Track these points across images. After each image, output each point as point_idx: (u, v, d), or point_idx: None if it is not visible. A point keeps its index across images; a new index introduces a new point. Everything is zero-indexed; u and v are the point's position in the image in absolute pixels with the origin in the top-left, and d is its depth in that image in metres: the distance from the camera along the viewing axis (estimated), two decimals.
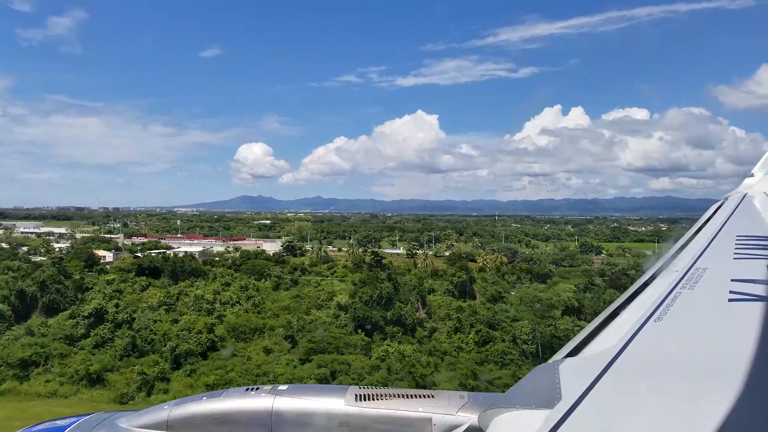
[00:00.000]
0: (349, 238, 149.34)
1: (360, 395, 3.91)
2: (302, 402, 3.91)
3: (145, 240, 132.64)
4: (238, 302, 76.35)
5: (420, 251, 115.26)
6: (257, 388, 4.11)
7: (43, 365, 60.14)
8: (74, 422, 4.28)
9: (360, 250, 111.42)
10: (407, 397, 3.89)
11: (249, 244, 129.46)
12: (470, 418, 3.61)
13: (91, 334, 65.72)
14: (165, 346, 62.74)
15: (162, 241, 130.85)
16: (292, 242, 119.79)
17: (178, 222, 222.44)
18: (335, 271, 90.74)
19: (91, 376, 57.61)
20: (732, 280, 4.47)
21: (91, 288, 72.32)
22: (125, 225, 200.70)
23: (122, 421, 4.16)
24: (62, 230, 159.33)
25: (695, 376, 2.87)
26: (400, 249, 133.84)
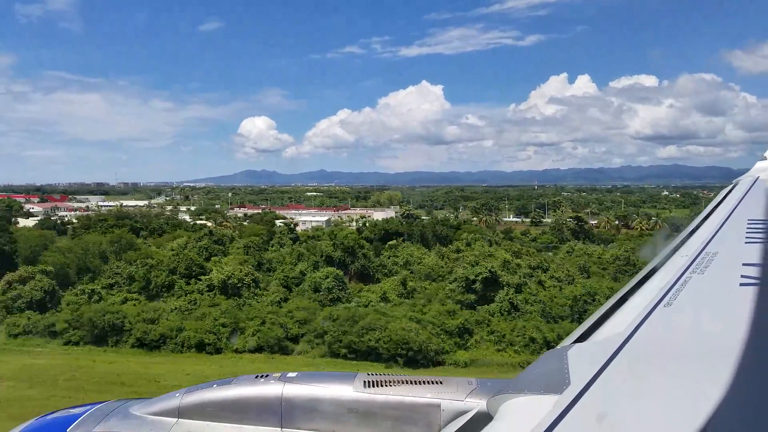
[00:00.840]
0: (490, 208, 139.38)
1: (368, 382, 3.93)
2: (311, 389, 3.94)
3: (254, 211, 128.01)
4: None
5: (546, 219, 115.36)
6: (267, 375, 4.14)
7: None
8: (88, 410, 4.33)
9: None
10: (416, 384, 3.91)
11: (360, 213, 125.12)
12: (479, 403, 3.62)
13: None
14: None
15: (270, 211, 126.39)
16: (410, 211, 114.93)
17: (229, 194, 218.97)
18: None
19: None
20: (743, 264, 4.44)
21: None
22: (186, 198, 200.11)
23: (134, 409, 4.21)
24: (138, 203, 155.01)
25: (705, 362, 2.87)
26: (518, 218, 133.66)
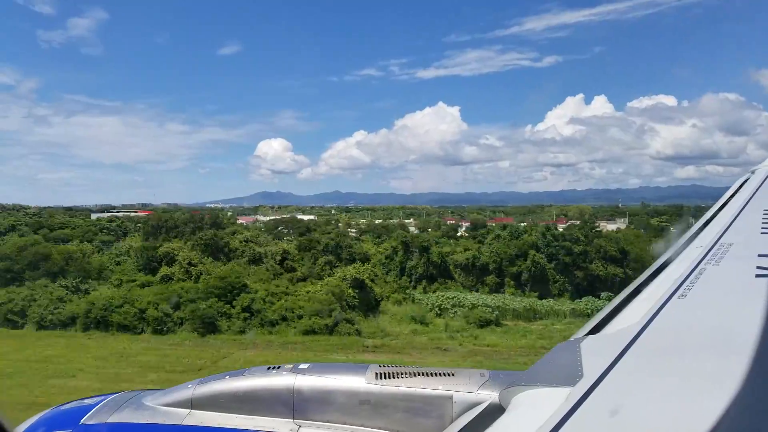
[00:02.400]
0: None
1: (380, 374, 3.93)
2: (323, 380, 3.94)
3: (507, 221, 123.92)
4: None
5: None
6: (279, 367, 4.15)
7: None
8: (102, 400, 4.36)
9: None
10: (427, 375, 3.90)
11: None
12: (491, 395, 3.60)
13: None
14: None
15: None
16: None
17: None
18: None
19: None
20: (759, 256, 4.37)
21: None
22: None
23: (148, 399, 4.23)
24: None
25: (720, 354, 2.82)
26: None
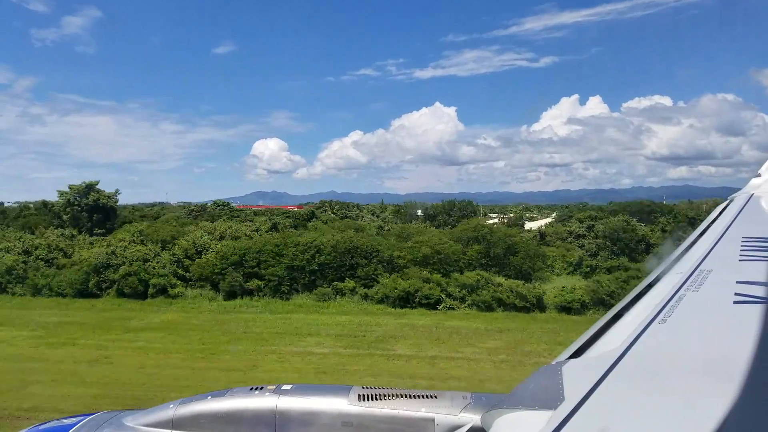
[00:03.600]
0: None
1: (363, 395, 3.94)
2: (306, 401, 3.94)
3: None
4: None
5: None
6: (261, 388, 4.15)
7: None
8: (80, 421, 4.32)
9: None
10: (410, 398, 3.91)
11: None
12: (473, 418, 3.63)
13: None
14: None
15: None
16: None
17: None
18: None
19: None
20: (737, 282, 4.45)
21: None
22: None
23: (128, 420, 4.20)
24: None
25: (700, 378, 2.87)
26: None
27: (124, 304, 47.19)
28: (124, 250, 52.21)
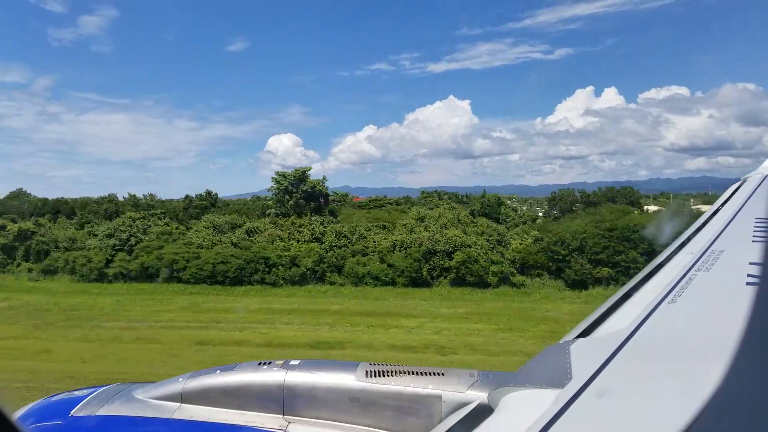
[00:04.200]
0: None
1: (370, 371, 3.95)
2: (313, 377, 3.96)
3: None
4: None
5: None
6: (270, 363, 4.16)
7: None
8: (92, 392, 4.37)
9: None
10: (417, 375, 3.92)
11: None
12: (480, 396, 3.62)
13: None
14: None
15: None
16: None
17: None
18: None
19: None
20: (750, 263, 4.38)
21: None
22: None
23: (138, 393, 4.24)
24: None
25: (708, 360, 2.86)
26: None
27: (473, 293, 43.93)
28: (444, 236, 48.62)
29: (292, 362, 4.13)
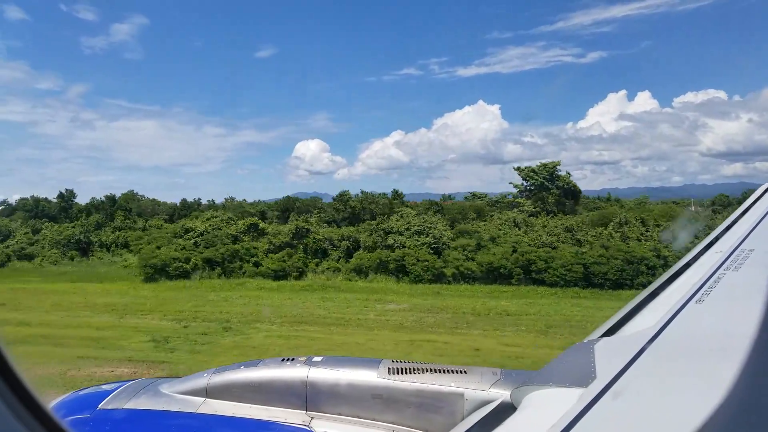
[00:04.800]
0: None
1: (393, 369, 3.97)
2: (336, 373, 4.00)
3: None
4: None
5: None
6: (293, 359, 4.22)
7: None
8: (119, 386, 4.46)
9: None
10: (440, 372, 3.93)
11: None
12: (502, 394, 3.62)
13: None
14: None
15: None
16: None
17: None
18: None
19: None
20: None
21: None
22: None
23: (164, 387, 4.33)
24: None
25: (736, 360, 2.81)
26: None
27: None
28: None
29: (315, 359, 4.18)
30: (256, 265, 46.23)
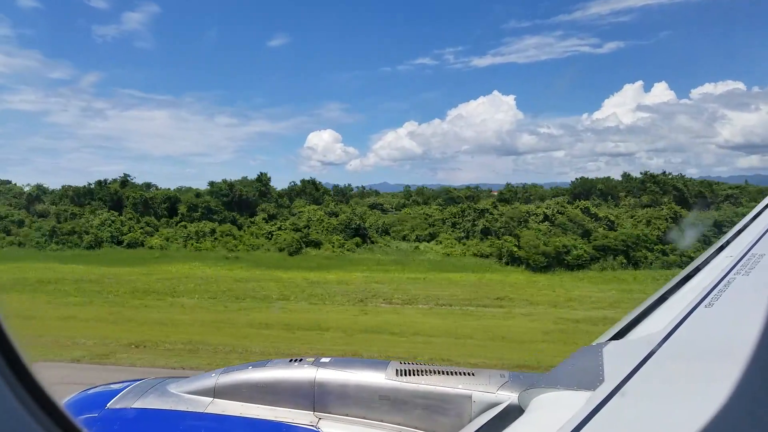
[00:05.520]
0: None
1: (401, 370, 3.97)
2: (344, 374, 4.00)
3: None
4: None
5: None
6: (301, 360, 4.23)
7: None
8: (127, 386, 4.47)
9: None
10: (447, 374, 3.93)
11: None
12: (510, 396, 3.61)
13: None
14: None
15: None
16: None
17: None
18: None
19: None
20: None
21: None
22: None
23: (172, 387, 4.33)
24: None
25: (744, 365, 2.80)
26: None
27: None
28: None
29: (323, 359, 4.19)
30: None
